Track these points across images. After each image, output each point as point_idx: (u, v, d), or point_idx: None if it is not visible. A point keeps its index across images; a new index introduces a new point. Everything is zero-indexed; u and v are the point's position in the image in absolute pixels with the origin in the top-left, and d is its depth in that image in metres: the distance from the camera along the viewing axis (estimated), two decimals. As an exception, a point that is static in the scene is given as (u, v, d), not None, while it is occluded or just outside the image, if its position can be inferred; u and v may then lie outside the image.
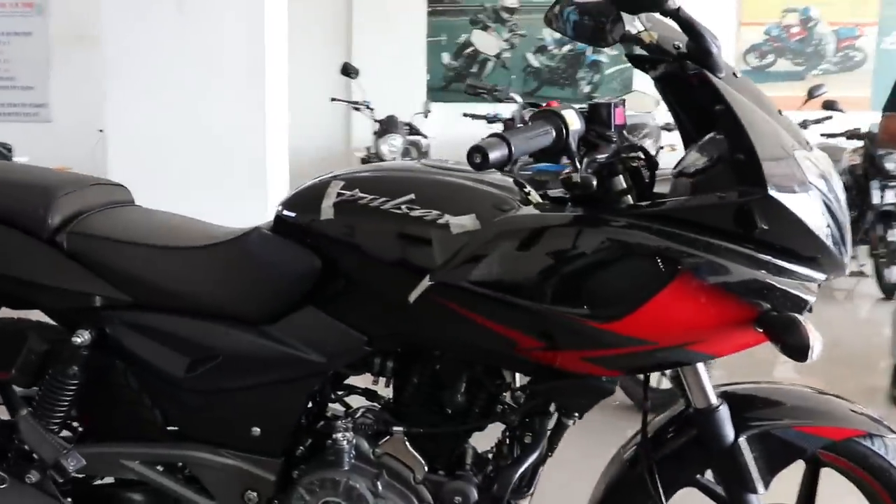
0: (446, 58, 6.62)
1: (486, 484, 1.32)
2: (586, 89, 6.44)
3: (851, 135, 4.77)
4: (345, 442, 1.29)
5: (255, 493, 1.35)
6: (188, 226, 1.47)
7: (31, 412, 1.36)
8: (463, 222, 1.19)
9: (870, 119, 4.45)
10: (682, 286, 1.12)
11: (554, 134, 1.10)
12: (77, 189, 1.42)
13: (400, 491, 1.30)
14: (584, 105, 1.21)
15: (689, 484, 1.37)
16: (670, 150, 4.62)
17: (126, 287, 1.34)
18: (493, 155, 1.02)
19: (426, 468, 1.32)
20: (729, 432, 1.27)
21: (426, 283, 1.19)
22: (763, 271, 1.12)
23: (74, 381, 1.36)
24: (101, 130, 3.21)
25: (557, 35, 6.51)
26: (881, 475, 1.33)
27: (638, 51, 1.27)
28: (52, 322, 1.49)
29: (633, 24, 1.21)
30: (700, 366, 1.25)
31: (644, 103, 3.38)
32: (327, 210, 1.26)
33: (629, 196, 1.21)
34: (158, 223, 1.46)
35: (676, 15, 1.13)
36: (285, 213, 1.33)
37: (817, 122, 4.67)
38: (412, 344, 1.31)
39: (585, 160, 1.16)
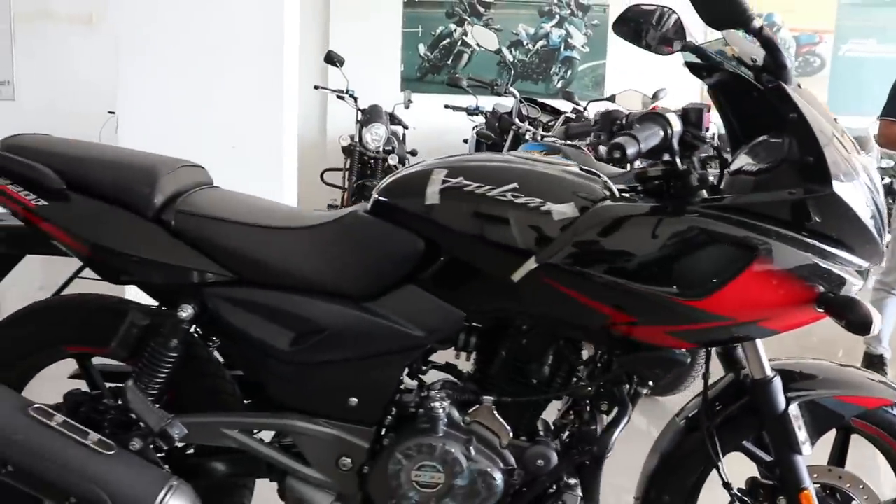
0: (422, 49, 6.70)
1: (563, 449, 1.46)
2: (559, 84, 6.61)
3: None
4: (440, 410, 1.41)
5: (349, 460, 1.45)
6: (277, 208, 1.56)
7: (136, 383, 1.43)
8: (564, 210, 1.32)
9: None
10: (758, 269, 1.27)
11: (662, 134, 1.24)
12: (172, 170, 1.49)
13: (488, 455, 1.42)
14: (678, 109, 1.35)
15: (737, 449, 1.53)
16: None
17: (231, 264, 1.42)
18: (630, 151, 1.16)
19: (511, 434, 1.45)
20: (781, 401, 1.44)
21: (532, 264, 1.32)
22: (821, 258, 1.28)
23: (174, 355, 1.43)
24: (111, 112, 3.20)
25: (532, 30, 6.73)
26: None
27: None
28: (142, 301, 1.56)
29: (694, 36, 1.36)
30: (758, 341, 1.42)
31: (634, 101, 3.56)
32: (433, 196, 1.37)
33: (704, 190, 1.35)
34: (250, 204, 1.54)
35: (759, 33, 1.28)
36: (387, 198, 1.43)
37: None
38: (507, 319, 1.43)
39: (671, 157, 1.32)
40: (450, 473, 1.39)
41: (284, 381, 1.45)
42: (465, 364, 1.55)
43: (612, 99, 3.72)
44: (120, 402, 1.47)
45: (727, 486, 1.49)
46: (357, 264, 1.43)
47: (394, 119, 5.53)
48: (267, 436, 1.54)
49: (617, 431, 1.43)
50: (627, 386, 1.46)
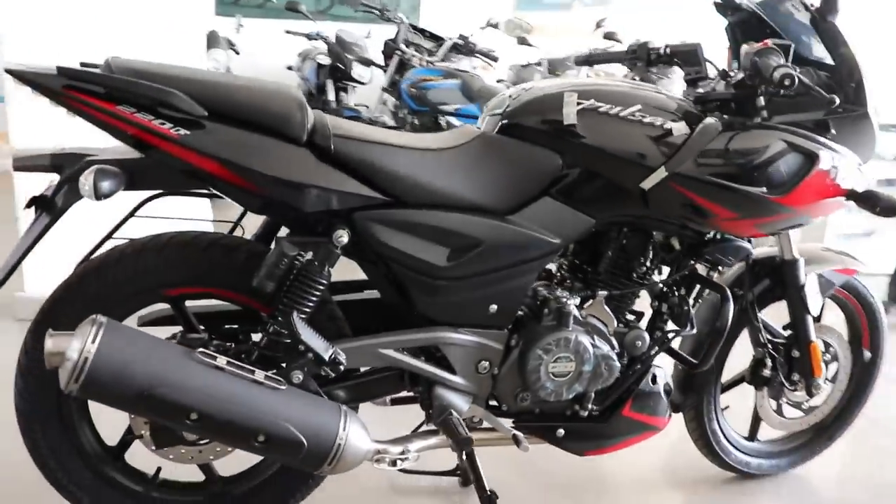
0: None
1: (650, 332, 1.72)
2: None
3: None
4: (571, 307, 1.58)
5: (486, 363, 1.57)
6: (401, 132, 1.57)
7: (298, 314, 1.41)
8: (680, 127, 1.53)
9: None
10: (817, 170, 1.60)
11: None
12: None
13: (606, 341, 1.62)
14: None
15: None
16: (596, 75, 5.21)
17: (389, 186, 1.42)
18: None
19: (615, 322, 1.67)
20: (803, 276, 1.83)
21: (662, 172, 1.51)
22: (852, 160, 1.66)
23: (325, 281, 1.42)
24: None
25: (347, -46, 6.56)
26: (866, 305, 2.01)
27: None
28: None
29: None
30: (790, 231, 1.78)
31: (522, 28, 3.75)
32: (570, 116, 1.50)
33: (765, 111, 1.63)
34: (377, 129, 1.53)
35: None
36: (520, 119, 1.53)
37: (604, 50, 5.52)
38: (628, 224, 1.62)
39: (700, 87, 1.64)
40: (580, 361, 1.58)
41: (435, 295, 1.49)
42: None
43: (496, 26, 3.89)
44: (262, 338, 1.44)
45: (761, 343, 1.87)
46: (500, 181, 1.51)
47: (230, 44, 5.22)
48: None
49: (693, 310, 1.72)
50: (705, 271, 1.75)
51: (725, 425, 2.00)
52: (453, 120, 3.56)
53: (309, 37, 5.19)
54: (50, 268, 2.81)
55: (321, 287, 1.42)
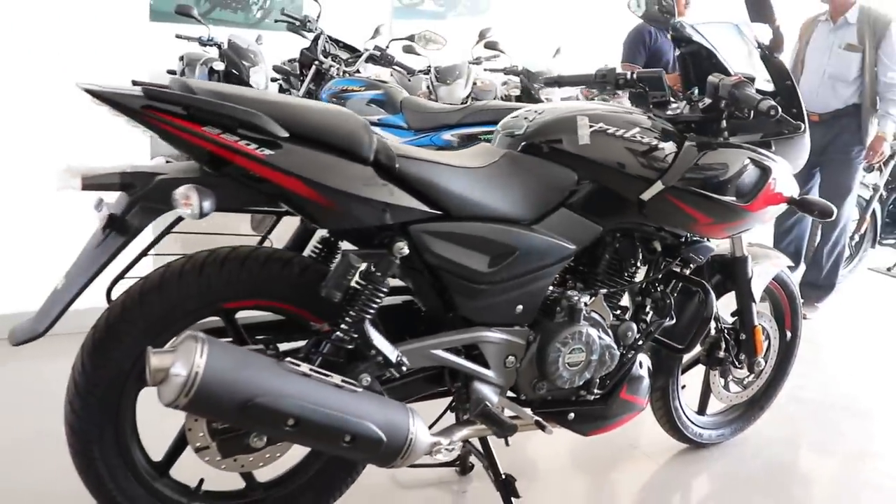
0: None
1: (639, 325, 1.95)
2: (258, 14, 6.53)
3: (509, 71, 6.04)
4: (581, 304, 1.78)
5: (513, 358, 1.74)
6: (443, 153, 1.69)
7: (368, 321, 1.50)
8: (670, 147, 1.78)
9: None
10: (771, 180, 1.91)
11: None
12: None
13: (605, 333, 1.84)
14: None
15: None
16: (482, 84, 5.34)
17: (442, 201, 1.54)
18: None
19: (611, 316, 1.90)
20: (751, 270, 2.15)
21: (659, 185, 1.75)
22: (789, 170, 1.99)
23: (386, 290, 1.53)
24: None
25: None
26: (789, 293, 2.37)
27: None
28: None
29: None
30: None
31: (437, 41, 3.90)
32: (585, 137, 1.71)
33: (726, 132, 1.91)
34: (426, 150, 1.64)
35: (777, 29, 1.90)
36: (540, 140, 1.71)
37: (488, 59, 5.81)
38: (626, 230, 1.84)
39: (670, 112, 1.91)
40: (589, 351, 1.77)
41: (476, 299, 1.63)
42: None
43: (411, 38, 4.03)
44: (324, 344, 1.52)
45: (717, 329, 2.17)
46: (526, 195, 1.67)
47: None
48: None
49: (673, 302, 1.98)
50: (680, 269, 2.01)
51: (684, 403, 2.30)
52: (378, 130, 3.66)
53: (201, 42, 5.09)
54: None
55: (382, 295, 1.52)
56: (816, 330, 3.74)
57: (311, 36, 4.29)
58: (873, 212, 4.52)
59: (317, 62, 3.91)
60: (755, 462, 2.39)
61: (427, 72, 5.02)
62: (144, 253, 1.52)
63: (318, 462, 1.71)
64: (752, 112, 1.76)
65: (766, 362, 2.33)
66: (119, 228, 1.37)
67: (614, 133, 1.73)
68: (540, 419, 1.78)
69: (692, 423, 2.34)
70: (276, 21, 4.30)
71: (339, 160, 1.43)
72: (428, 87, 5.41)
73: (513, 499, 1.89)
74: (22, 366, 2.53)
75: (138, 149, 2.88)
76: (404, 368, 1.55)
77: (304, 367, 1.40)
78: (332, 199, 1.42)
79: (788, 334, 2.41)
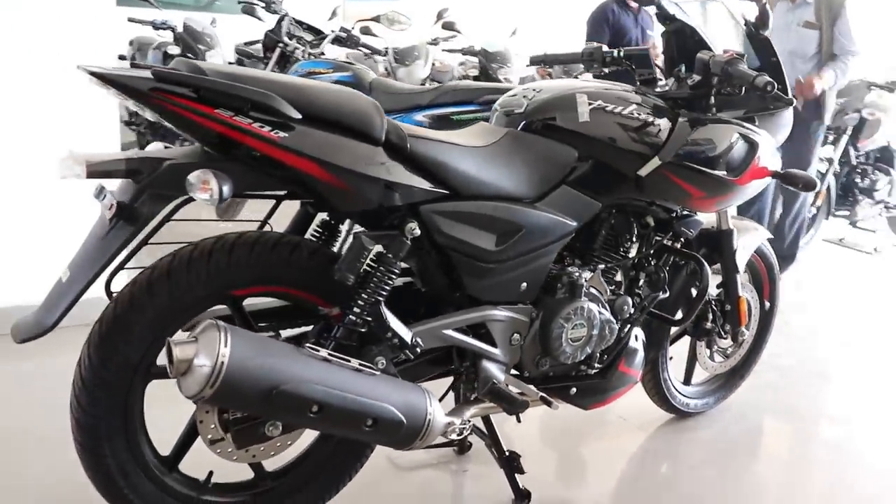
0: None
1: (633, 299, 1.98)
2: (205, -1, 6.36)
3: (467, 51, 6.02)
4: (582, 280, 1.80)
5: (518, 335, 1.75)
6: (450, 132, 1.68)
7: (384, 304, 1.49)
8: (664, 123, 1.80)
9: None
10: (758, 154, 1.96)
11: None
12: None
13: (604, 308, 1.86)
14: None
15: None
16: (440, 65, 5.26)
17: (452, 180, 1.54)
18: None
19: (608, 291, 1.92)
20: (736, 243, 2.20)
21: (656, 161, 1.77)
22: (773, 144, 2.04)
23: (398, 271, 1.51)
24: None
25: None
26: (769, 265, 2.44)
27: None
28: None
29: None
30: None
31: (401, 21, 3.85)
32: (584, 115, 1.72)
33: (714, 108, 1.95)
34: (434, 130, 1.63)
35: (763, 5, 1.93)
36: (540, 118, 1.71)
37: (445, 40, 5.79)
38: (622, 206, 1.86)
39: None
40: (590, 326, 1.79)
41: (483, 278, 1.63)
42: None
43: (377, 19, 3.97)
44: (336, 328, 1.50)
45: (705, 301, 2.22)
46: (529, 173, 1.68)
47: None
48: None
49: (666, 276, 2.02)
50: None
51: (672, 374, 2.35)
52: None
53: (155, 25, 4.94)
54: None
55: (395, 277, 1.51)
56: (781, 299, 3.85)
57: (266, 17, 4.19)
58: (828, 185, 4.68)
59: (281, 44, 3.83)
60: (738, 428, 2.46)
61: (385, 53, 4.96)
62: (144, 242, 1.47)
63: (327, 449, 1.70)
64: (742, 88, 1.80)
65: (748, 332, 2.40)
66: (128, 217, 1.32)
67: (613, 110, 1.75)
68: (545, 395, 1.80)
69: (680, 393, 2.39)
70: (239, 2, 4.17)
71: (353, 142, 1.41)
72: (386, 69, 5.36)
73: (516, 475, 1.91)
74: (21, 361, 2.44)
75: (106, 136, 2.79)
76: (418, 350, 1.54)
77: (324, 353, 1.39)
78: (346, 180, 1.40)
79: (767, 304, 2.48)
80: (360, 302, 1.49)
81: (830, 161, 4.67)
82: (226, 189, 1.25)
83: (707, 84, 1.89)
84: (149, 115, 1.32)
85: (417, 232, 1.51)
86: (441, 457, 2.15)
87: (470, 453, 2.17)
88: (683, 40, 2.03)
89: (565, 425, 2.39)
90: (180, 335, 1.37)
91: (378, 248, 1.49)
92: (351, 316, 1.49)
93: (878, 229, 5.12)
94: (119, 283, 1.44)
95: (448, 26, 5.80)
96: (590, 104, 1.73)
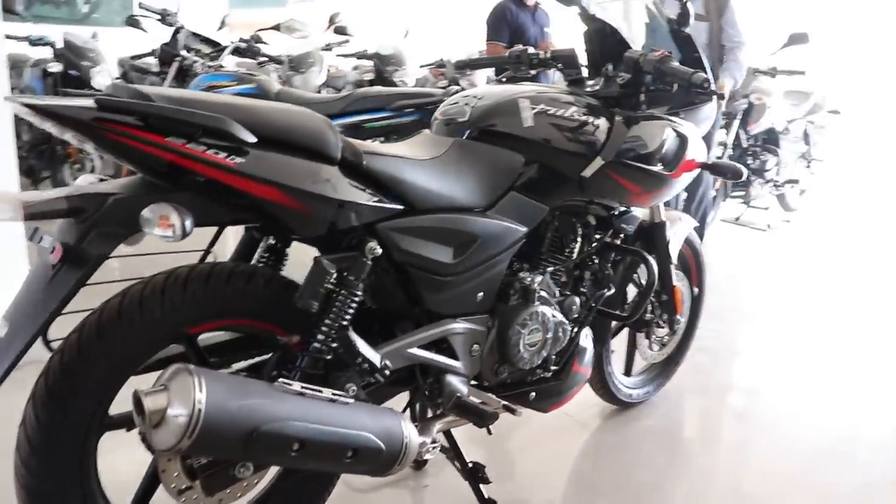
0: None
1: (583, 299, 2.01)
2: (84, 9, 5.97)
3: (361, 55, 5.95)
4: (535, 285, 1.80)
5: (477, 346, 1.73)
6: (398, 144, 1.63)
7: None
8: (603, 123, 1.83)
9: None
10: (688, 148, 2.03)
11: None
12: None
13: (555, 310, 1.87)
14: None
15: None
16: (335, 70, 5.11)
17: (405, 196, 1.49)
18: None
19: (557, 293, 1.94)
20: (669, 234, 2.27)
21: (599, 161, 1.80)
22: (699, 136, 2.12)
23: (361, 294, 1.46)
24: None
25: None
26: (695, 251, 2.53)
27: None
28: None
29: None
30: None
31: (301, 30, 3.74)
32: (528, 119, 1.72)
33: (643, 105, 2.01)
34: (384, 144, 1.58)
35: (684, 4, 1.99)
36: (486, 125, 1.70)
37: (338, 45, 5.69)
38: (565, 207, 1.87)
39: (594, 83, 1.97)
40: (545, 330, 1.80)
41: (442, 291, 1.60)
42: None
43: (277, 28, 3.83)
44: (301, 358, 1.44)
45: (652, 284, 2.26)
46: (479, 181, 1.66)
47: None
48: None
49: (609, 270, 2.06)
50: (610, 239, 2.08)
51: (614, 367, 2.40)
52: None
53: (31, 41, 4.60)
54: None
55: (357, 299, 1.46)
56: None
57: (151, 29, 3.99)
58: (723, 168, 4.92)
59: (179, 58, 3.65)
60: (678, 412, 2.55)
61: (279, 61, 4.83)
62: (82, 283, 1.36)
63: (291, 483, 1.63)
64: (674, 85, 1.85)
65: (683, 319, 2.48)
66: (74, 260, 1.21)
67: (555, 113, 1.76)
68: (507, 403, 1.79)
69: (623, 385, 2.45)
70: (130, 16, 3.93)
71: (310, 163, 1.35)
72: (280, 77, 5.23)
73: (481, 485, 1.90)
74: None
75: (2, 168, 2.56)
76: (387, 372, 1.50)
77: (297, 386, 1.32)
78: (307, 203, 1.34)
79: (695, 290, 2.58)
80: (323, 328, 1.43)
81: (725, 145, 4.92)
82: (188, 223, 1.17)
83: (638, 82, 1.93)
84: (89, 146, 1.21)
85: (379, 251, 1.46)
86: (398, 475, 2.10)
87: (426, 468, 2.13)
88: (605, 39, 2.06)
89: (515, 429, 2.39)
90: (143, 383, 1.27)
91: (337, 271, 1.43)
92: (315, 343, 1.43)
93: (770, 206, 5.44)
94: (55, 331, 1.31)
95: (340, 31, 5.72)
96: (532, 108, 1.74)
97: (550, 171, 1.77)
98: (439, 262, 1.58)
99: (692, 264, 2.55)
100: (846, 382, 2.88)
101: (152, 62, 4.51)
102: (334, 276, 1.42)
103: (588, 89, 2.00)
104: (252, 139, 1.26)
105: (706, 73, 2.07)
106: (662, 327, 2.37)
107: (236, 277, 1.40)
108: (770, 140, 5.09)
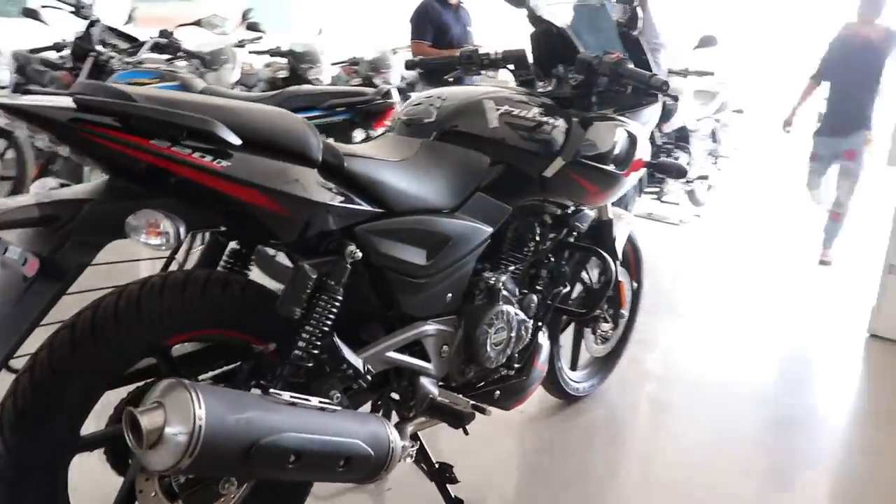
0: None
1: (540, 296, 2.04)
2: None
3: (275, 52, 5.79)
4: (499, 285, 1.82)
5: (446, 346, 1.73)
6: (369, 145, 1.61)
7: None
8: (561, 124, 1.87)
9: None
10: (637, 147, 2.09)
11: None
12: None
13: (517, 308, 1.90)
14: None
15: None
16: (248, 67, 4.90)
17: (383, 198, 1.47)
18: None
19: (516, 292, 1.96)
20: (614, 232, 2.34)
21: (560, 161, 1.83)
22: (646, 136, 2.20)
23: (340, 299, 1.43)
24: None
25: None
26: (634, 247, 2.61)
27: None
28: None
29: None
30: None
31: (221, 25, 3.60)
32: (494, 121, 1.73)
33: (595, 106, 2.06)
34: (359, 146, 1.55)
35: (633, 8, 2.06)
36: (451, 126, 1.70)
37: (252, 41, 5.53)
38: (527, 206, 1.90)
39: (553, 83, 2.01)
40: (510, 328, 1.82)
41: (416, 293, 1.59)
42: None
43: (198, 23, 3.67)
44: (282, 366, 1.39)
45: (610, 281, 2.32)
46: (448, 182, 1.65)
47: None
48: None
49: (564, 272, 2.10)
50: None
51: (563, 363, 2.45)
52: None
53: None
54: None
55: (338, 304, 1.43)
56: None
57: (51, 21, 3.76)
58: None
59: (94, 53, 3.44)
60: (624, 402, 2.64)
61: (200, 57, 4.65)
62: (60, 296, 1.26)
63: (262, 496, 1.58)
64: (629, 87, 1.91)
65: (627, 313, 2.57)
66: (49, 272, 1.13)
67: (518, 114, 1.78)
68: (476, 403, 1.80)
69: (570, 380, 2.50)
70: (42, 7, 3.67)
71: (293, 166, 1.32)
72: (192, 74, 5.03)
73: (448, 485, 1.90)
74: None
75: None
76: (369, 377, 1.48)
77: (286, 396, 1.28)
78: (292, 208, 1.30)
79: (635, 284, 2.67)
80: (304, 335, 1.39)
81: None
82: (182, 230, 1.11)
83: (590, 83, 1.98)
84: (61, 149, 1.13)
85: (359, 255, 1.44)
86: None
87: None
88: (552, 41, 2.10)
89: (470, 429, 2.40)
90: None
91: (317, 276, 1.40)
92: (297, 351, 1.39)
93: (680, 202, 5.69)
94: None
95: (253, 27, 5.57)
96: (497, 110, 1.75)
97: (514, 171, 1.79)
98: (414, 265, 1.57)
99: (632, 259, 2.63)
100: (760, 364, 3.06)
101: (53, 56, 4.24)
102: (314, 278, 1.38)
103: (540, 90, 2.03)
104: (237, 141, 1.22)
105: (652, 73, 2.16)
106: (608, 322, 2.45)
107: (211, 285, 1.34)
108: (682, 138, 5.32)
